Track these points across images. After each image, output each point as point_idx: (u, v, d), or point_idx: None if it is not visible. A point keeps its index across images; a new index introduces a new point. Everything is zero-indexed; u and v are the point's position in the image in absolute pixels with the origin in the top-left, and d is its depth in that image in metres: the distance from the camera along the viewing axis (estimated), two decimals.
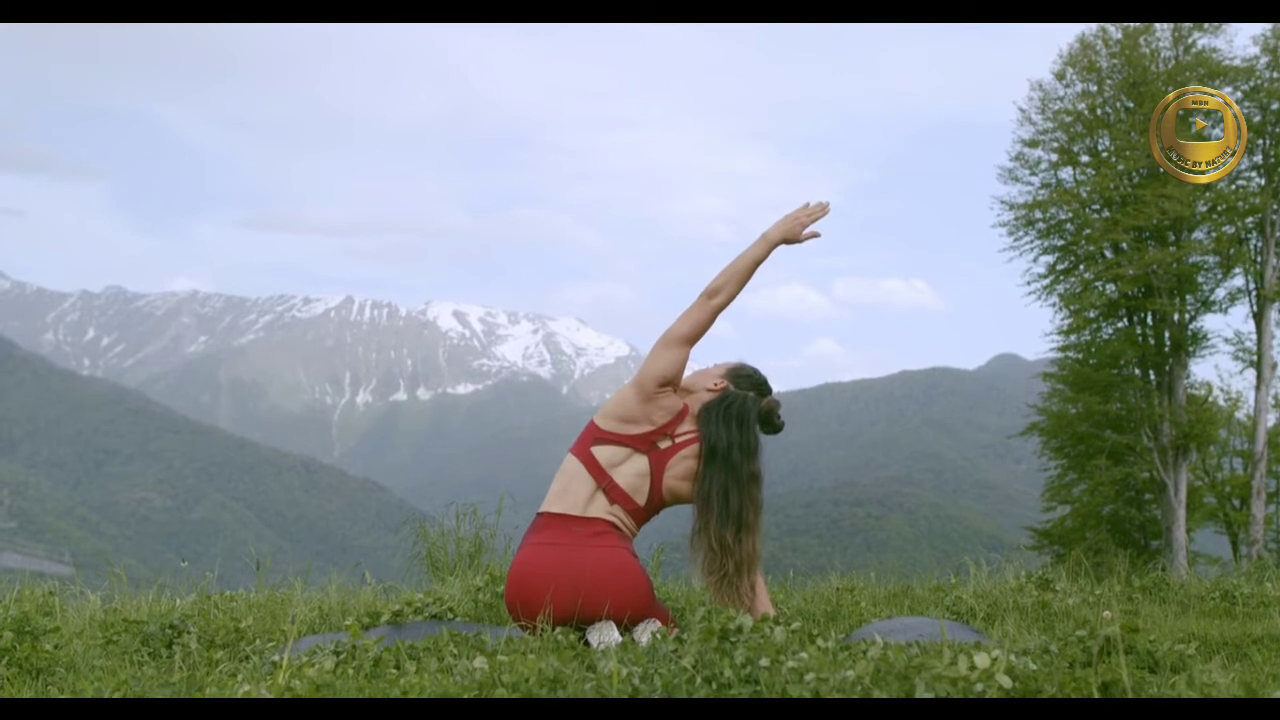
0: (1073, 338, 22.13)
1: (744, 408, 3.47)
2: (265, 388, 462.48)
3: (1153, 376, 21.28)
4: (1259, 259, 20.50)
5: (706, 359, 3.84)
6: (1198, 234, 20.89)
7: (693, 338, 3.46)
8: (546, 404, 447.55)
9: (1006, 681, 2.01)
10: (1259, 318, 20.63)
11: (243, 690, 2.27)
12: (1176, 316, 20.75)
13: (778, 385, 3.68)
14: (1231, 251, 20.41)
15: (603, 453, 3.39)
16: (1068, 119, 21.72)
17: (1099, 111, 21.47)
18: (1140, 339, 21.23)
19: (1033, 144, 22.08)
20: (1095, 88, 21.52)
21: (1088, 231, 21.16)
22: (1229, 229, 20.74)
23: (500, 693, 2.24)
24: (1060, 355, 22.40)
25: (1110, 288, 21.04)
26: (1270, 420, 20.71)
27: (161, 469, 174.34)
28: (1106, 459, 20.39)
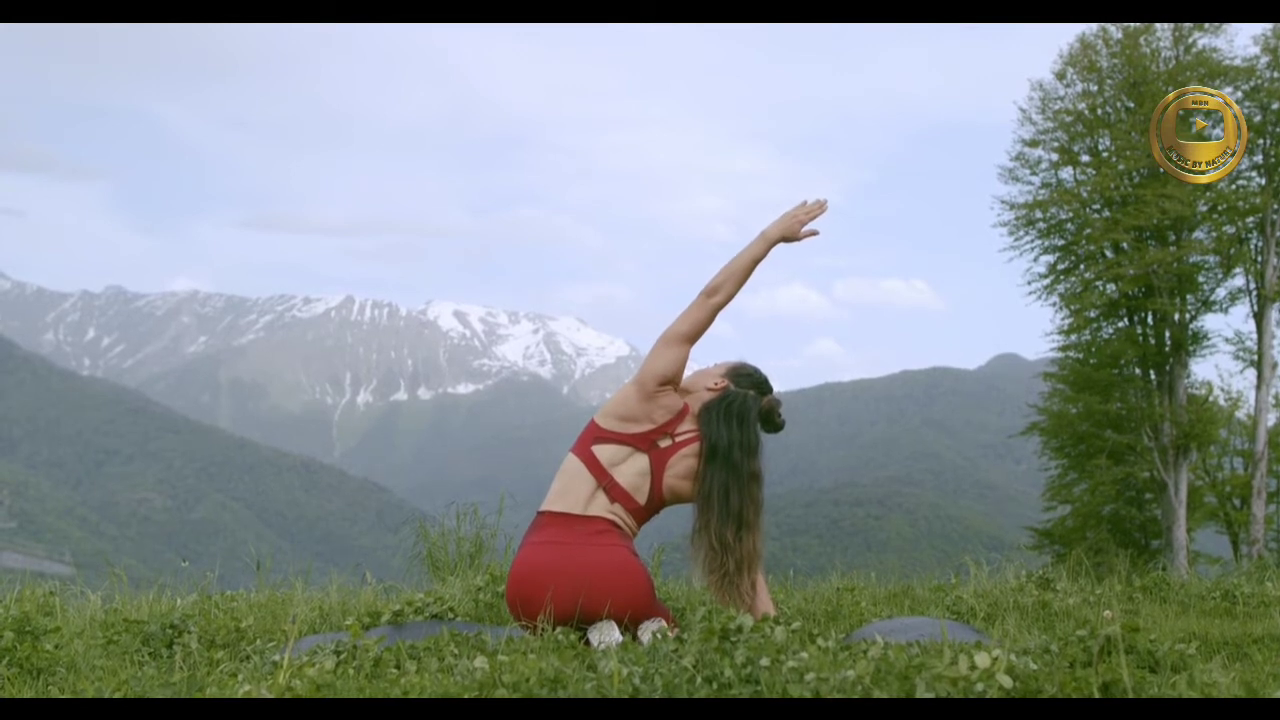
0: (1073, 337, 22.12)
1: (744, 406, 3.47)
2: (265, 388, 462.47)
3: (1153, 376, 21.27)
4: (1259, 259, 20.50)
5: (706, 358, 3.84)
6: (1198, 234, 20.89)
7: (693, 336, 3.46)
8: (547, 404, 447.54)
9: (1007, 681, 2.01)
10: (1259, 317, 20.63)
11: (243, 690, 2.27)
12: (1177, 316, 20.75)
13: (778, 385, 3.68)
14: (1232, 251, 20.41)
15: (603, 452, 3.39)
16: (1068, 119, 21.72)
17: (1099, 111, 21.47)
18: (1141, 339, 21.22)
19: (1033, 144, 22.08)
20: (1095, 87, 21.52)
21: (1088, 231, 21.16)
22: (1229, 229, 20.75)
23: (501, 693, 2.24)
24: (1061, 355, 22.40)
25: (1111, 287, 21.04)
26: (1270, 420, 20.72)
27: (162, 469, 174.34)
28: (1107, 459, 20.38)
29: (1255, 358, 20.65)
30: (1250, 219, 20.53)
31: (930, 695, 2.00)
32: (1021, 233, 22.05)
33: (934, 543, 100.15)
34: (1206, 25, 20.46)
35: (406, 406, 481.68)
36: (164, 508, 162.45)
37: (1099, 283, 21.24)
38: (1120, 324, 21.72)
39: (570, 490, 3.36)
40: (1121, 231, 20.15)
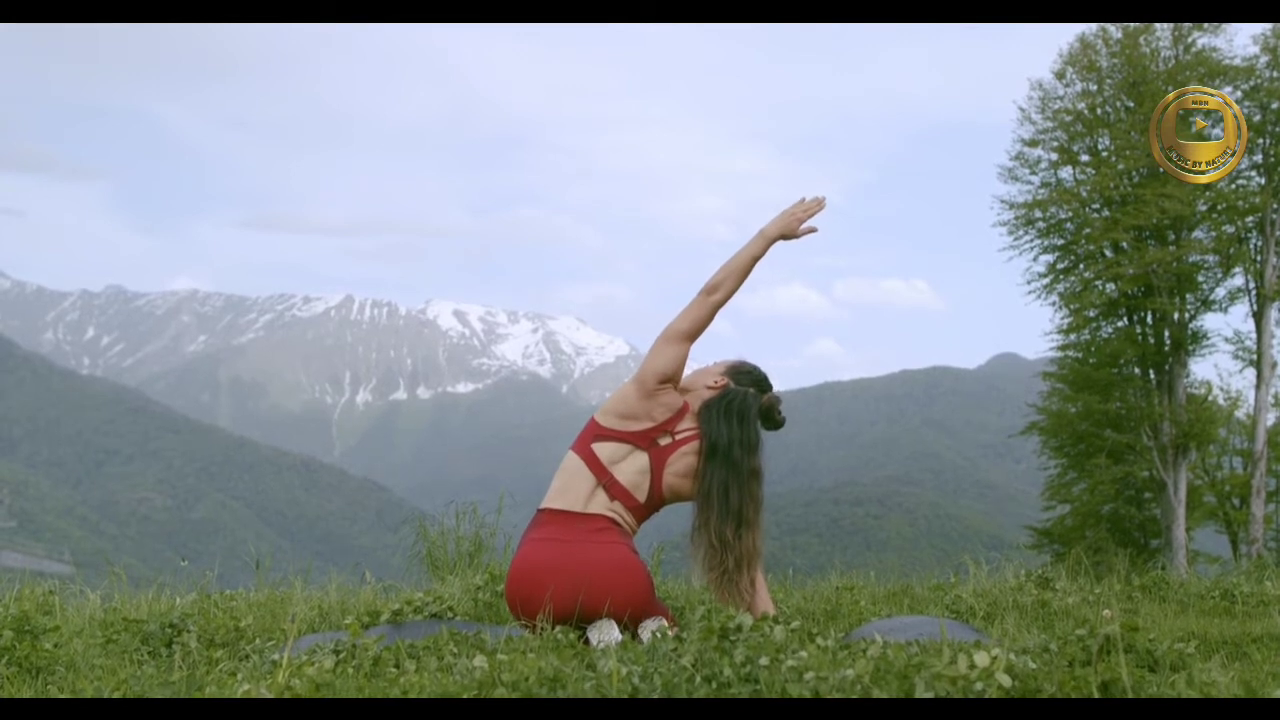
0: (1073, 337, 22.14)
1: (744, 404, 3.47)
2: (265, 387, 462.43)
3: (1152, 375, 21.28)
4: (1259, 258, 20.51)
5: (706, 357, 3.84)
6: (1198, 233, 20.90)
7: (692, 334, 3.46)
8: (546, 403, 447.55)
9: (1006, 680, 2.01)
10: (1259, 317, 20.63)
11: (243, 689, 2.27)
12: (1176, 316, 20.77)
13: (777, 385, 3.68)
14: (1231, 251, 20.42)
15: (603, 449, 3.40)
16: (1068, 118, 21.73)
17: (1099, 111, 21.48)
18: (1140, 338, 21.23)
19: (1033, 143, 22.09)
20: (1095, 87, 21.53)
21: (1088, 231, 21.17)
22: (1229, 228, 20.76)
23: (500, 692, 2.24)
24: (1060, 354, 22.42)
25: (1110, 287, 21.05)
26: (1270, 419, 20.73)
27: (161, 468, 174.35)
28: (1106, 458, 20.39)
29: (1254, 357, 20.66)
30: (1250, 218, 20.54)
31: (930, 695, 2.01)
32: (1021, 232, 22.07)
33: (933, 542, 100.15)
34: (1206, 25, 20.46)
35: (406, 406, 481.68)
36: (164, 507, 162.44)
37: (1098, 282, 21.25)
38: (1120, 323, 21.72)
39: (570, 488, 3.37)
40: (1121, 231, 20.15)
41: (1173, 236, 20.69)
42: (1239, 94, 20.03)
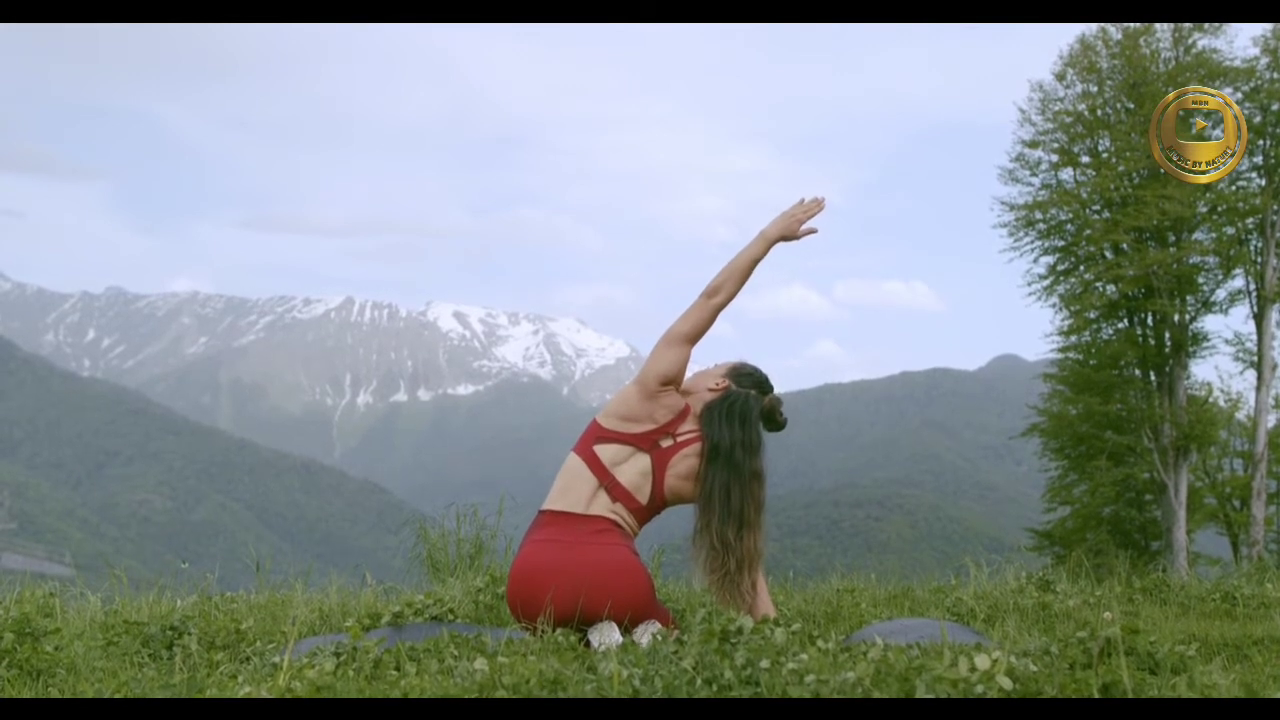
0: (1073, 339, 22.14)
1: (746, 406, 3.48)
2: (266, 389, 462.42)
3: (1153, 377, 21.27)
4: (1259, 260, 20.50)
5: (707, 359, 3.85)
6: (1198, 235, 20.89)
7: (694, 337, 3.47)
8: (547, 405, 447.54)
9: (1007, 683, 2.00)
10: (1259, 318, 20.63)
11: (243, 692, 2.27)
12: (1177, 317, 20.76)
13: (777, 386, 3.68)
14: (1232, 252, 20.42)
15: (605, 451, 3.40)
16: (1068, 120, 21.73)
17: (1099, 112, 21.48)
18: (1140, 340, 21.23)
19: (1033, 145, 22.09)
20: (1095, 88, 21.53)
21: (1088, 232, 21.17)
22: (1229, 230, 20.75)
23: (500, 694, 2.24)
24: (1060, 356, 22.42)
25: (1110, 289, 21.04)
26: (1270, 421, 20.72)
27: (162, 470, 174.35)
28: (1107, 460, 20.38)
29: (1255, 359, 20.65)
30: (1250, 220, 20.53)
31: (930, 697, 2.00)
32: (1021, 234, 22.07)
33: (934, 544, 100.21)
34: (1206, 26, 20.47)
35: (406, 407, 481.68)
36: (164, 509, 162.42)
37: (1099, 284, 21.24)
38: (1120, 325, 21.72)
39: (572, 489, 3.37)
40: (1121, 233, 20.15)
41: (1173, 238, 20.68)
42: (1239, 95, 20.03)
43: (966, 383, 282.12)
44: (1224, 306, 21.09)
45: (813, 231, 3.59)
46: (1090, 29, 21.64)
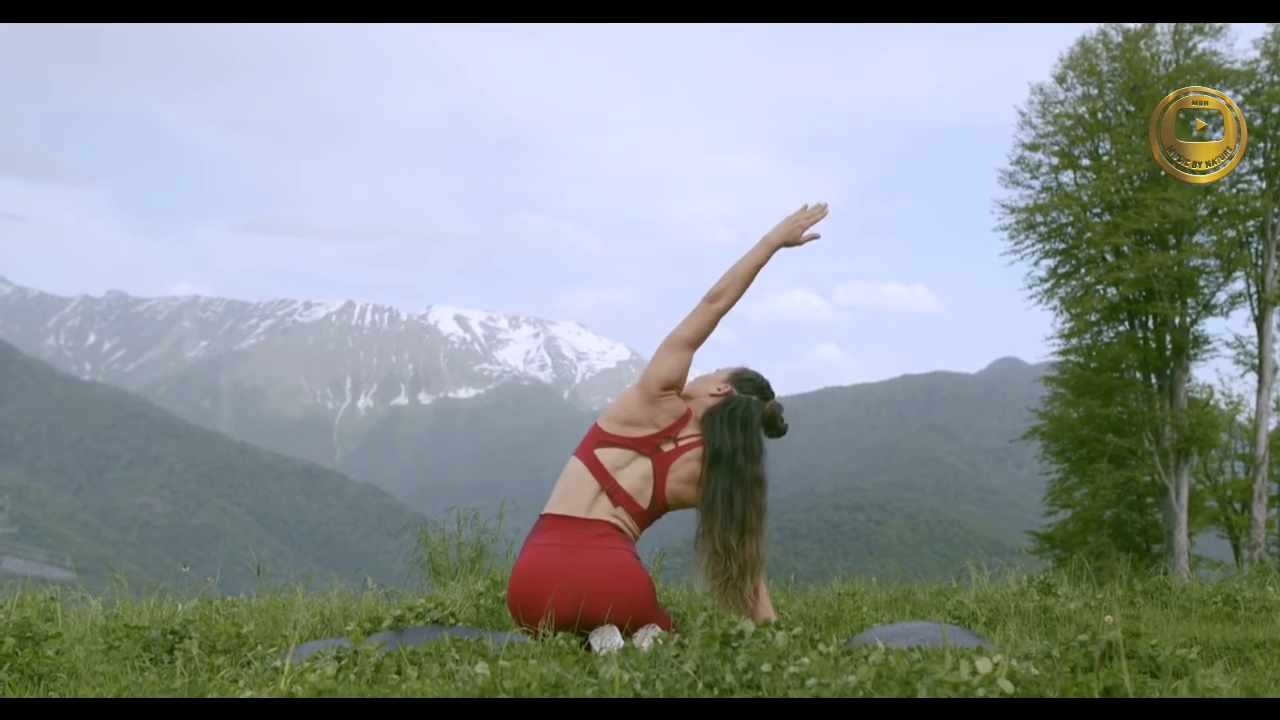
0: (1074, 341, 22.14)
1: (747, 412, 3.48)
2: (266, 392, 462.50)
3: (1154, 380, 21.28)
4: (1260, 262, 20.51)
5: (708, 364, 3.85)
6: (1199, 237, 20.90)
7: (695, 341, 3.47)
8: (547, 408, 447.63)
9: (1009, 686, 2.00)
10: (1260, 321, 20.63)
11: (245, 696, 2.27)
12: (1177, 320, 20.76)
13: (778, 389, 3.68)
14: (1233, 255, 20.43)
15: (606, 455, 3.40)
16: (1068, 122, 21.74)
17: (1099, 115, 21.49)
18: (1141, 342, 21.23)
19: (1033, 147, 22.11)
20: (1096, 91, 21.55)
21: (1089, 235, 21.18)
22: (1230, 233, 20.76)
23: (502, 698, 2.24)
24: (1061, 359, 22.43)
25: (1111, 291, 21.05)
26: (1271, 424, 20.72)
27: (163, 474, 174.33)
28: (1108, 463, 20.38)
29: (1256, 361, 20.65)
30: (1251, 223, 20.55)
31: (930, 697, 2.00)
32: (1022, 236, 22.08)
33: (935, 547, 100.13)
34: (1206, 29, 20.49)
35: (407, 411, 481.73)
36: (165, 513, 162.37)
37: (1099, 287, 21.25)
38: (1121, 328, 21.73)
39: (573, 493, 3.38)
40: (1122, 235, 20.16)
41: (1174, 241, 20.69)
42: (1240, 98, 20.04)
43: (967, 386, 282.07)
44: (1225, 309, 21.12)
45: (815, 238, 3.60)
46: (1090, 32, 21.68)
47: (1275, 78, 20.21)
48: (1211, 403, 21.17)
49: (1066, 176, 22.07)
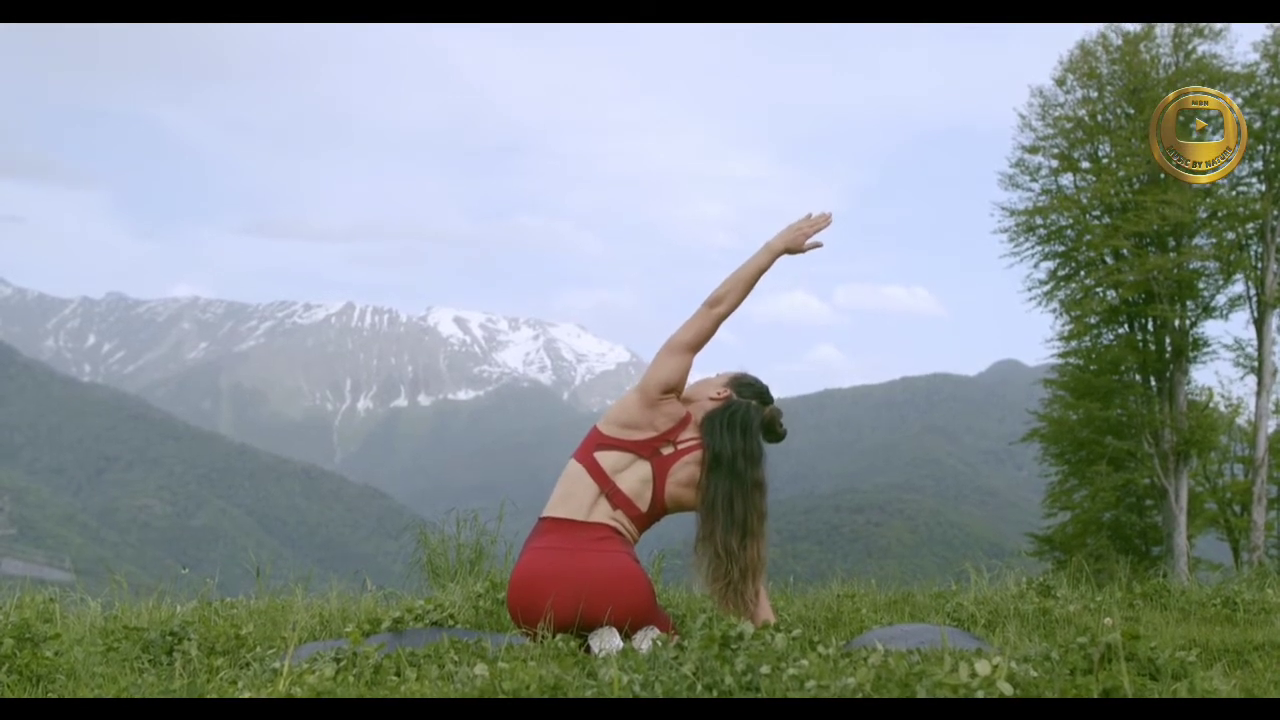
0: (1074, 344, 22.15)
1: (747, 416, 3.49)
2: (266, 394, 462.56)
3: (1153, 382, 21.28)
4: (1259, 265, 20.52)
5: (709, 366, 3.86)
6: (1198, 240, 20.91)
7: (696, 345, 3.48)
8: (547, 410, 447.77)
9: (1008, 688, 2.00)
10: (1259, 324, 20.64)
11: (244, 697, 2.27)
12: (1177, 322, 20.77)
13: (778, 391, 3.69)
14: (1232, 257, 20.44)
15: (606, 458, 3.41)
16: (1068, 125, 21.76)
17: (1099, 118, 21.51)
18: (1141, 345, 21.23)
19: (1033, 150, 22.12)
20: (1095, 94, 21.56)
21: (1088, 237, 21.19)
22: (1230, 235, 20.77)
23: (501, 699, 2.24)
24: (1061, 361, 22.43)
25: (1111, 294, 21.06)
26: (1271, 426, 20.73)
27: (162, 475, 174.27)
28: (1107, 465, 20.39)
29: (1255, 364, 20.66)
30: (1250, 225, 20.56)
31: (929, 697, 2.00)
32: (1022, 239, 22.09)
33: (934, 549, 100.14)
34: (1206, 31, 20.50)
35: (407, 413, 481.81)
36: (164, 514, 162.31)
37: (1099, 289, 21.26)
38: (1120, 330, 21.73)
39: (572, 496, 3.38)
40: (1121, 238, 20.17)
41: (1173, 243, 20.70)
42: (1239, 100, 20.04)
43: (967, 388, 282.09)
44: (1224, 312, 21.13)
45: (817, 246, 3.62)
46: (1090, 34, 21.70)
47: (1275, 80, 20.23)
48: (1211, 405, 21.18)
49: (1066, 179, 22.08)
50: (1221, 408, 21.30)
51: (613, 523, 3.36)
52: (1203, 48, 20.76)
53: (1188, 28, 20.64)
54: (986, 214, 22.73)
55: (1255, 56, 20.38)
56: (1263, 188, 20.42)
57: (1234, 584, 5.37)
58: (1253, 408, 20.79)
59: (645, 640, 3.15)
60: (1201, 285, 21.00)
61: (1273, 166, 20.27)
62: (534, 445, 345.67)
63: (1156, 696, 2.24)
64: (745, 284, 3.52)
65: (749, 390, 3.62)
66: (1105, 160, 21.52)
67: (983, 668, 2.03)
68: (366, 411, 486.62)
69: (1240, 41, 21.06)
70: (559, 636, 3.05)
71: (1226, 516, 20.94)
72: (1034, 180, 22.27)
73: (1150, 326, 21.19)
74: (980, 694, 1.99)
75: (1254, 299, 20.71)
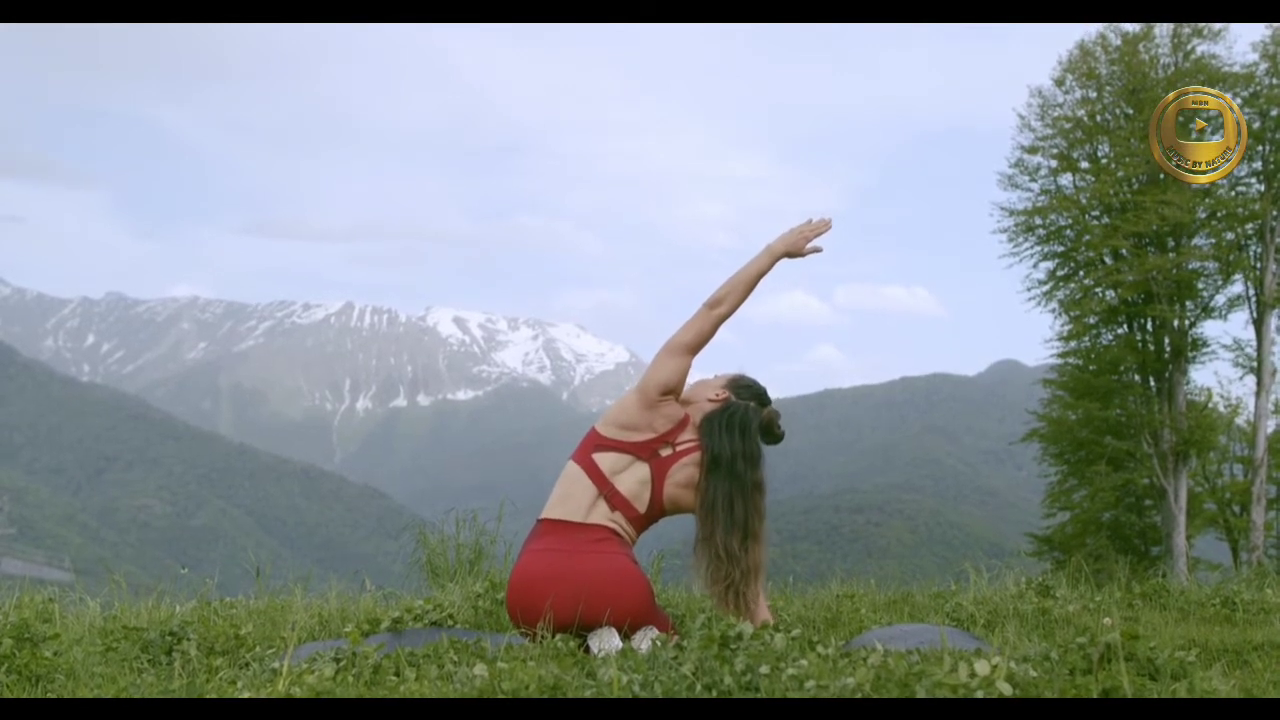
0: (1073, 344, 22.16)
1: (746, 417, 3.49)
2: (265, 394, 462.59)
3: (1153, 383, 21.29)
4: (1259, 265, 20.53)
5: (709, 367, 3.87)
6: (1197, 240, 20.92)
7: (695, 347, 3.48)
8: (546, 410, 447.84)
9: (1007, 688, 2.00)
10: (1259, 324, 20.64)
11: (243, 696, 2.27)
12: (1176, 323, 20.77)
13: (778, 391, 3.73)
14: (1231, 258, 20.44)
15: (604, 460, 3.41)
16: (1067, 125, 21.76)
17: (1098, 118, 21.51)
18: (1140, 345, 21.24)
19: (1032, 150, 22.12)
20: (1095, 94, 21.57)
21: (1087, 238, 21.19)
22: (1229, 235, 20.78)
23: (500, 699, 2.24)
24: (1061, 361, 22.44)
25: (1110, 294, 21.07)
26: (1270, 426, 20.74)
27: (162, 475, 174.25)
28: (1107, 465, 20.39)
29: (1254, 364, 20.67)
30: (1249, 225, 20.56)
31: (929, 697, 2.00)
32: (1021, 239, 22.10)
33: (934, 549, 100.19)
34: (1205, 31, 20.50)
35: (406, 413, 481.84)
36: (164, 514, 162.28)
37: (1098, 289, 21.27)
38: (1120, 330, 21.74)
39: (571, 497, 3.38)
40: (1121, 238, 20.17)
41: (1172, 243, 20.71)
42: (1239, 101, 20.04)
43: (967, 388, 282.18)
44: (1223, 312, 21.14)
45: (818, 250, 3.63)
46: (1089, 35, 21.71)
47: (1274, 81, 20.23)
48: (1210, 405, 21.18)
49: (1065, 179, 22.09)
50: (1221, 408, 21.32)
51: (611, 524, 3.36)
52: (1202, 48, 20.77)
53: (1187, 28, 20.64)
54: (986, 214, 22.77)
55: (1254, 57, 20.41)
56: (1262, 188, 20.43)
57: (1233, 584, 5.37)
58: (1252, 408, 20.80)
59: (644, 640, 3.15)
60: (1201, 285, 21.01)
61: (1272, 166, 20.28)
62: (533, 445, 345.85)
63: (1156, 696, 2.24)
64: (745, 286, 3.52)
65: (747, 392, 3.62)
66: (1104, 160, 21.52)
67: (982, 668, 2.03)
68: (366, 411, 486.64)
69: (1239, 42, 21.04)
70: (558, 636, 3.05)
71: (1226, 517, 20.95)
72: (1033, 180, 22.29)
73: (1149, 327, 21.20)
74: (980, 694, 2.00)
75: (1253, 299, 20.72)
